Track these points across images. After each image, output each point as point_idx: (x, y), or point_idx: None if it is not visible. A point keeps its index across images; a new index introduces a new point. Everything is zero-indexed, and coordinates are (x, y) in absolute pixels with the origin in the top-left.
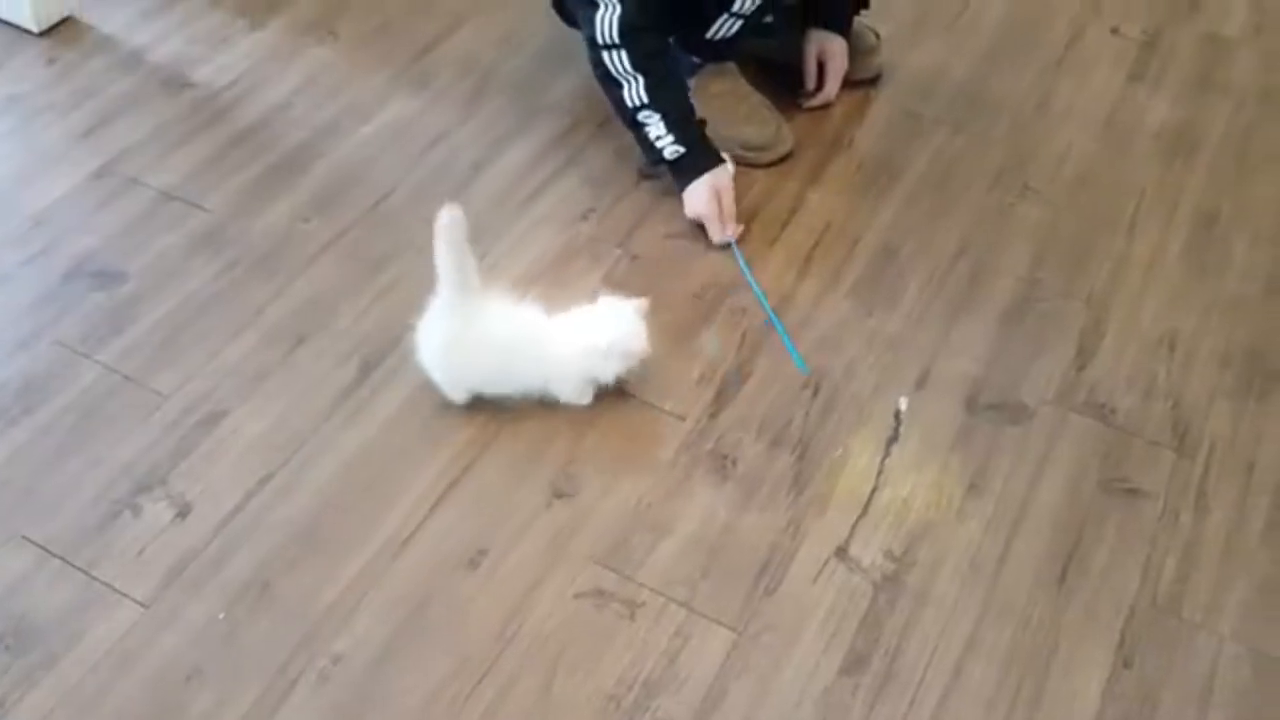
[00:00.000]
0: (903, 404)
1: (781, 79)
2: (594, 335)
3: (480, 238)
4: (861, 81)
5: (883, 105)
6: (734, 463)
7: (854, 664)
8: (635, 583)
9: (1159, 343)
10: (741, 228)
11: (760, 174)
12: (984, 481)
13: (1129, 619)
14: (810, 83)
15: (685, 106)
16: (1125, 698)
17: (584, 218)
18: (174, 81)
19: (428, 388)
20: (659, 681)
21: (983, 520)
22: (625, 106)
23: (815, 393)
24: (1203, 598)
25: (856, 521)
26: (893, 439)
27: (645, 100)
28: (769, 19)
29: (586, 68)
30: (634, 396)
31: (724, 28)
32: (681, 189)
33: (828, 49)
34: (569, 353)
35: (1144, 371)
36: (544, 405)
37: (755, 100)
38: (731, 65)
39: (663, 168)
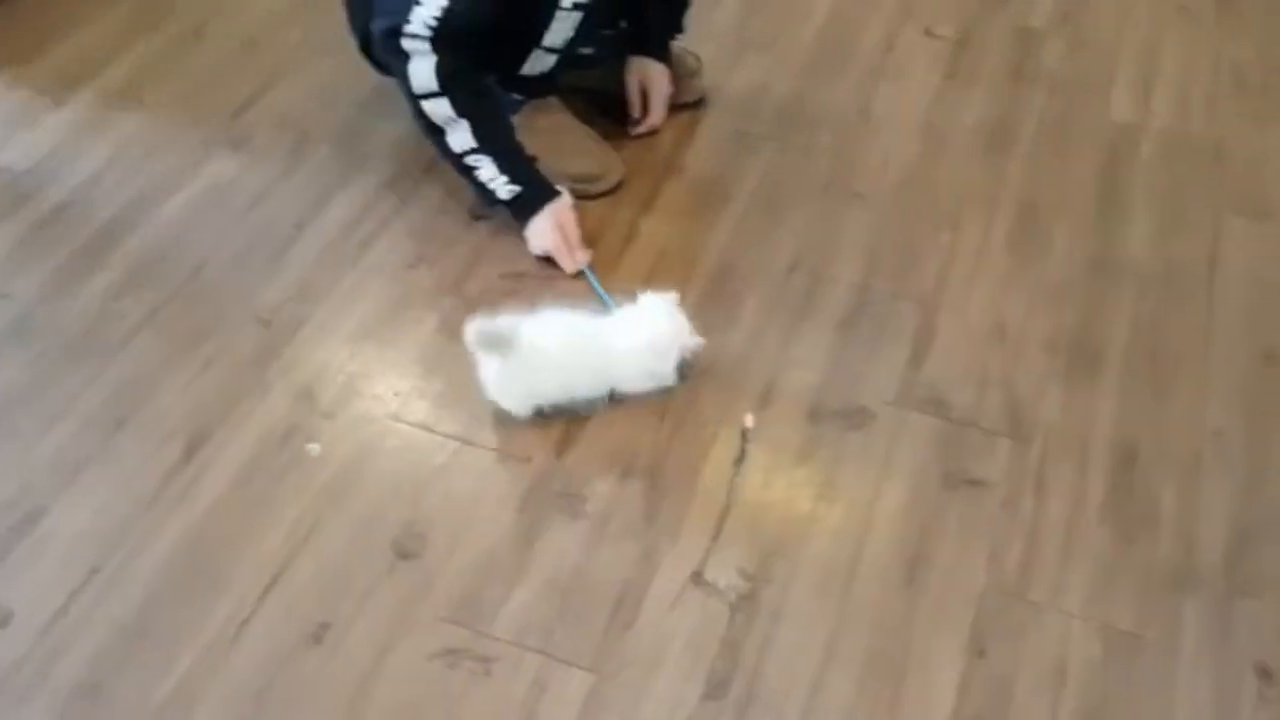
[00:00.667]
0: (749, 421)
1: (607, 109)
2: (652, 331)
3: (306, 296)
4: (686, 105)
5: (709, 127)
6: (583, 500)
7: (715, 689)
8: (489, 637)
9: (989, 334)
10: (591, 253)
11: (593, 205)
12: (831, 490)
13: (978, 610)
14: (635, 111)
15: (514, 144)
16: (981, 687)
17: (414, 266)
18: None
19: (268, 451)
20: None
21: (832, 529)
22: (452, 152)
23: (661, 419)
24: (1048, 579)
25: (710, 545)
26: (740, 458)
27: (473, 144)
28: (587, 50)
29: (407, 112)
30: (478, 446)
31: (536, 63)
32: (523, 227)
33: (649, 76)
34: (631, 349)
35: (976, 363)
36: (387, 462)
37: (581, 133)
38: (554, 99)
39: (499, 208)
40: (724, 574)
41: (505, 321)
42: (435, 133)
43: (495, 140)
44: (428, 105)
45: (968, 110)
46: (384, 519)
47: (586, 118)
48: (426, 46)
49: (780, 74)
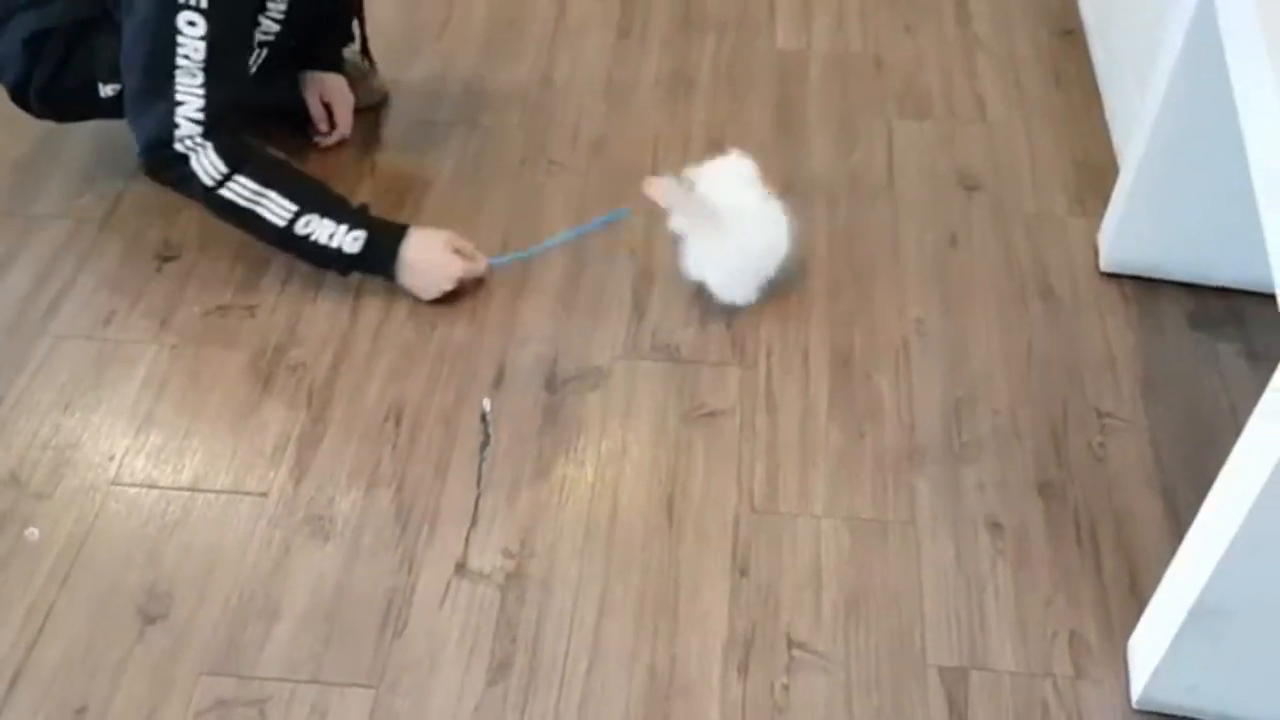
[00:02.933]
0: (486, 405)
1: (291, 124)
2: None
3: None
4: (369, 108)
5: (396, 124)
6: (330, 521)
7: (498, 672)
8: (256, 679)
9: None
10: (483, 262)
11: None
12: (579, 452)
13: (735, 532)
14: (323, 125)
15: (334, 194)
16: (749, 603)
17: (107, 322)
18: None
19: None
20: None
21: (586, 488)
22: (275, 228)
23: (397, 423)
24: (793, 489)
25: (468, 533)
26: (485, 442)
27: (293, 209)
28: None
29: (77, 166)
30: (209, 490)
31: None
32: (394, 274)
33: (328, 88)
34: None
35: (694, 304)
36: (115, 529)
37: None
38: None
39: (353, 271)
40: (488, 558)
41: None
42: (243, 215)
43: (314, 196)
44: (226, 192)
45: (645, 64)
46: (123, 587)
47: (278, 137)
48: (200, 139)
49: (457, 59)
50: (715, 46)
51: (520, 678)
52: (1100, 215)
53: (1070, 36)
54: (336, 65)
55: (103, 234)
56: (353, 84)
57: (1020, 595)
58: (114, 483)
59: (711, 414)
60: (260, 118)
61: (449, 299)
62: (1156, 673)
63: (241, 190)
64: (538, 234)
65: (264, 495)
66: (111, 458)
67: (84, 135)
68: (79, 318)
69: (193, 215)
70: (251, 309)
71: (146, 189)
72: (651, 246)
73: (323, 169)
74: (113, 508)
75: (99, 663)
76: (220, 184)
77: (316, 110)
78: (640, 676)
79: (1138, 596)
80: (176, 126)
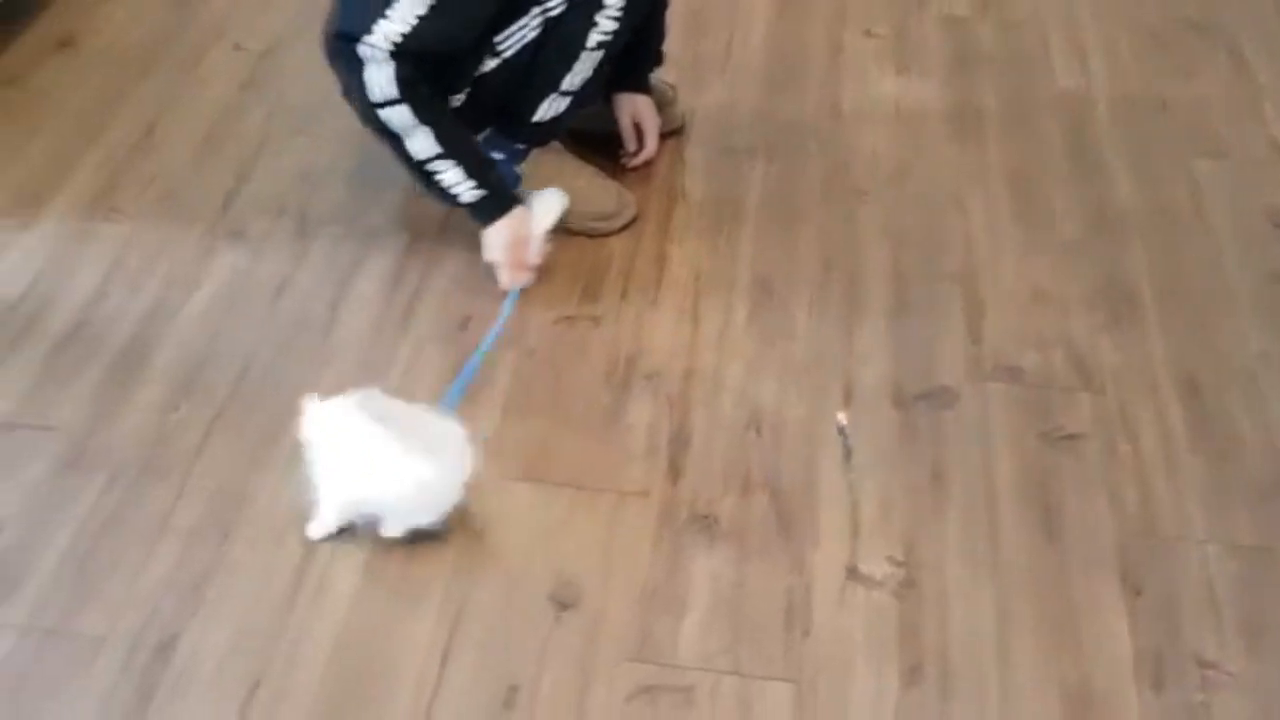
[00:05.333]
0: (842, 419)
1: (598, 146)
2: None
3: (367, 376)
4: (669, 133)
5: (696, 150)
6: (715, 521)
7: (911, 675)
8: (678, 667)
9: (1031, 300)
10: (532, 278)
11: (614, 242)
12: (944, 467)
13: (1119, 552)
14: (631, 144)
15: (477, 150)
16: (1150, 623)
17: (464, 327)
18: None
19: (385, 540)
20: None
21: (961, 503)
22: (412, 158)
23: (758, 432)
24: (1169, 513)
25: (852, 541)
26: (848, 454)
27: (437, 150)
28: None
29: (404, 180)
30: (591, 488)
31: (551, 107)
32: (482, 228)
33: (640, 109)
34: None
35: (1030, 328)
36: (515, 523)
37: (589, 171)
38: (557, 144)
39: (457, 208)
40: (877, 565)
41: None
42: (391, 138)
43: (459, 146)
44: (385, 113)
45: (930, 100)
46: (531, 575)
47: (585, 157)
48: (384, 55)
49: (744, 89)
50: (995, 84)
51: (935, 683)
52: None
53: None
54: (645, 87)
55: (441, 241)
56: (657, 109)
57: None
58: (502, 477)
59: (1071, 437)
60: (572, 137)
61: None
62: None
63: (399, 119)
64: (856, 256)
65: (645, 495)
66: (494, 455)
67: None
68: (437, 321)
69: None
70: (596, 319)
71: None
72: (974, 273)
73: (632, 189)
74: (503, 500)
75: (522, 646)
76: (383, 105)
77: (628, 130)
78: (1054, 686)
79: None
80: (369, 33)
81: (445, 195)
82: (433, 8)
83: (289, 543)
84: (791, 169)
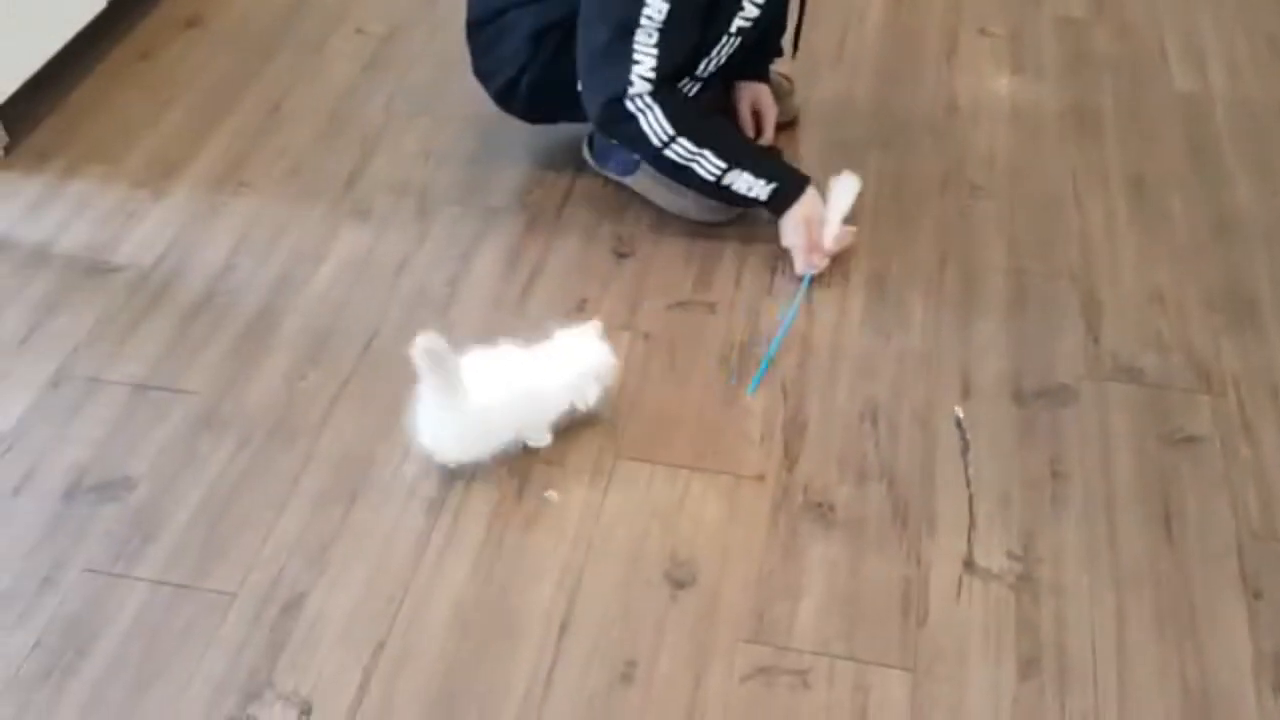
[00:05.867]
0: (959, 413)
1: None
2: (574, 365)
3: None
4: (785, 124)
5: (811, 141)
6: (831, 508)
7: (1028, 668)
8: (794, 650)
9: (1149, 301)
10: (828, 261)
11: (728, 231)
12: (1063, 465)
13: (1239, 554)
14: (750, 132)
15: (752, 147)
16: (1271, 626)
17: (580, 308)
18: (96, 268)
19: (508, 505)
20: None
21: (1079, 500)
22: (707, 182)
23: (874, 422)
24: None
25: (969, 533)
26: (965, 448)
27: (723, 166)
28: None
29: (523, 163)
30: (708, 470)
31: (685, 90)
32: (778, 217)
33: (759, 98)
34: (552, 389)
35: (1149, 329)
36: (630, 495)
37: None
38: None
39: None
40: (994, 559)
41: (451, 358)
42: (682, 172)
43: (738, 152)
44: (670, 153)
45: (1046, 99)
46: (647, 553)
47: None
48: (650, 100)
49: (858, 83)
50: (1112, 85)
51: (1052, 677)
52: None
53: None
54: (765, 77)
55: (558, 225)
56: (775, 99)
57: None
58: (618, 456)
59: (1191, 439)
60: None
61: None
62: None
63: (682, 151)
64: (973, 251)
65: (761, 479)
66: (611, 434)
67: (526, 134)
68: (552, 302)
69: (640, 215)
70: (711, 305)
71: (592, 184)
72: (1091, 273)
73: None
74: (621, 478)
75: (639, 622)
76: (665, 145)
77: (746, 118)
78: (1173, 686)
79: None
80: (630, 84)
81: (744, 201)
82: (663, 31)
83: (412, 508)
84: (906, 163)
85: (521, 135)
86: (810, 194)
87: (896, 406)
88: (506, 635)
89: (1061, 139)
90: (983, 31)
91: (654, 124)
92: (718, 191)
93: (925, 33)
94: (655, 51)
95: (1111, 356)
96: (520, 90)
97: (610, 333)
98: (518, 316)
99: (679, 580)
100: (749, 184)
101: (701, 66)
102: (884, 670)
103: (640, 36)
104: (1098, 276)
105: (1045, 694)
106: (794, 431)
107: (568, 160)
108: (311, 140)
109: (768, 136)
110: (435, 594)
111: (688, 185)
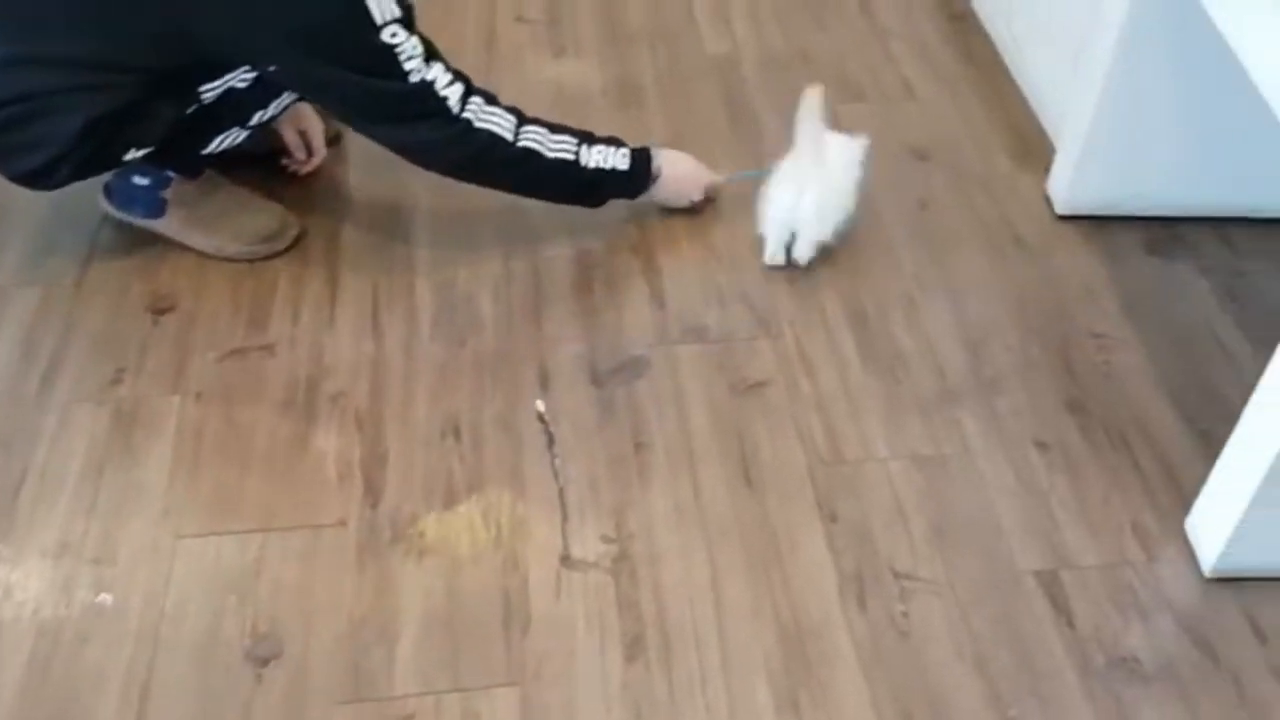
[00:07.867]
0: (540, 405)
1: (254, 162)
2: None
3: None
4: (332, 141)
5: (359, 155)
6: (422, 535)
7: (633, 648)
8: (396, 698)
9: (705, 259)
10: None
11: (278, 264)
12: (644, 435)
13: (812, 483)
14: (300, 153)
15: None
16: (847, 545)
17: (116, 382)
18: None
19: (54, 619)
20: None
21: (663, 467)
22: (568, 165)
23: (456, 437)
24: (852, 438)
25: (562, 527)
26: (550, 441)
27: (575, 140)
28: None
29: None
30: (283, 529)
31: (228, 140)
32: (653, 187)
33: (304, 118)
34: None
35: (709, 286)
36: (197, 576)
37: (243, 193)
38: (209, 171)
39: (617, 190)
40: (589, 546)
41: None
42: (535, 160)
43: (576, 131)
44: (526, 140)
45: (590, 77)
46: (223, 635)
47: (244, 179)
48: (472, 98)
49: None
50: (650, 56)
51: (657, 650)
52: (1038, 169)
53: (963, 19)
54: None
55: (80, 296)
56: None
57: (1080, 499)
58: (178, 536)
59: (758, 384)
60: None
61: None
62: (1229, 543)
63: (535, 134)
64: (533, 241)
65: (343, 524)
66: (167, 513)
67: (23, 197)
68: (83, 383)
69: (179, 263)
70: (269, 347)
71: (117, 238)
72: (649, 242)
73: (306, 197)
74: (184, 561)
75: (223, 715)
76: (518, 130)
77: (294, 140)
78: (769, 626)
79: (1178, 483)
80: (446, 99)
81: (602, 181)
82: (427, 57)
83: None
84: None
85: (17, 200)
86: (667, 151)
87: (478, 415)
88: None
89: (608, 114)
90: (519, 18)
91: (496, 117)
92: (579, 173)
93: (463, 28)
94: (441, 67)
95: (677, 319)
96: (59, 173)
97: (153, 402)
98: (41, 411)
99: (262, 657)
100: (604, 155)
101: (254, 118)
102: (490, 692)
103: (421, 75)
104: (655, 244)
105: (651, 670)
106: (374, 465)
107: (82, 216)
108: None
109: (320, 152)
110: None
111: (543, 184)
